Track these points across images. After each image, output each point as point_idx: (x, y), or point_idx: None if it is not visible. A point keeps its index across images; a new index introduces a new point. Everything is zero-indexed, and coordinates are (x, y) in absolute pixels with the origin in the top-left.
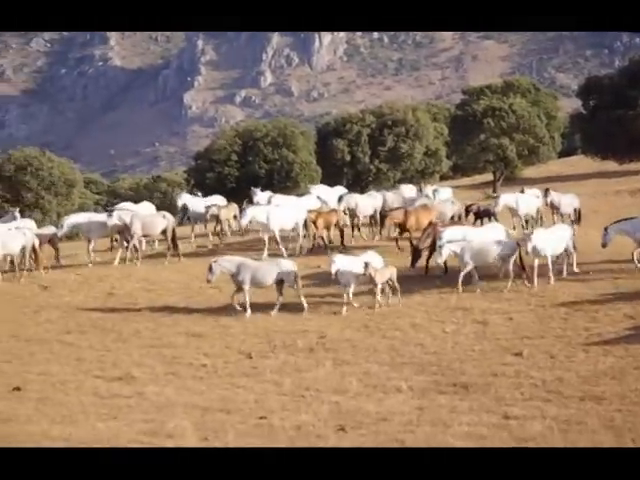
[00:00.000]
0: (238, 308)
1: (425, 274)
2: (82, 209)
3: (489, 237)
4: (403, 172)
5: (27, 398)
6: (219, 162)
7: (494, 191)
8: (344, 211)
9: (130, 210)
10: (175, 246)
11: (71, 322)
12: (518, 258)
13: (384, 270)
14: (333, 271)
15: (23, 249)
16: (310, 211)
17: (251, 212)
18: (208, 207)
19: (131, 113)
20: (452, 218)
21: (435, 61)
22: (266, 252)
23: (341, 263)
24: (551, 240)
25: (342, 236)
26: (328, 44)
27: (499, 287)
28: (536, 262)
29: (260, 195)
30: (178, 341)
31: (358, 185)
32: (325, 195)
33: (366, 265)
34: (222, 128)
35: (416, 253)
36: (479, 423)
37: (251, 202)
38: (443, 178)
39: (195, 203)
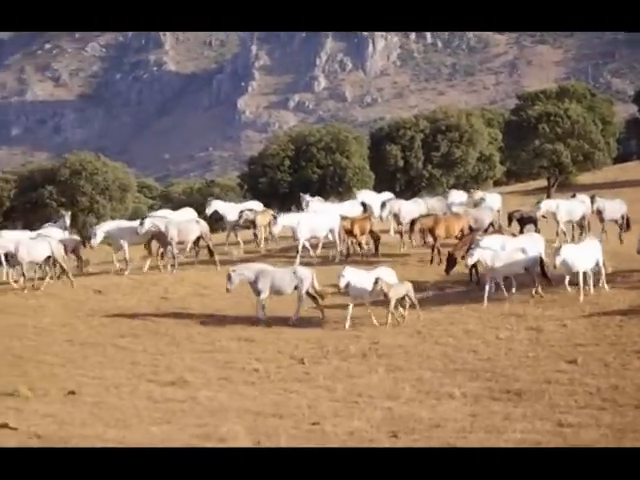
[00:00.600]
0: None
1: (470, 281)
2: (136, 214)
3: (521, 247)
4: (456, 177)
5: (82, 402)
6: (272, 167)
7: (548, 197)
8: (387, 217)
9: (165, 217)
10: (211, 253)
11: (124, 326)
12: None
13: (399, 286)
14: (342, 285)
15: (49, 257)
16: (344, 218)
17: (283, 220)
18: (242, 212)
19: (185, 118)
20: (492, 225)
21: (489, 66)
22: (298, 259)
23: (351, 277)
24: (581, 255)
25: (376, 244)
26: (382, 49)
27: (552, 294)
28: (567, 279)
29: (314, 204)
30: (230, 346)
31: (411, 190)
32: (371, 201)
33: (376, 281)
34: (275, 133)
35: (451, 260)
36: (533, 430)
37: (301, 208)
38: (497, 184)
39: (227, 209)
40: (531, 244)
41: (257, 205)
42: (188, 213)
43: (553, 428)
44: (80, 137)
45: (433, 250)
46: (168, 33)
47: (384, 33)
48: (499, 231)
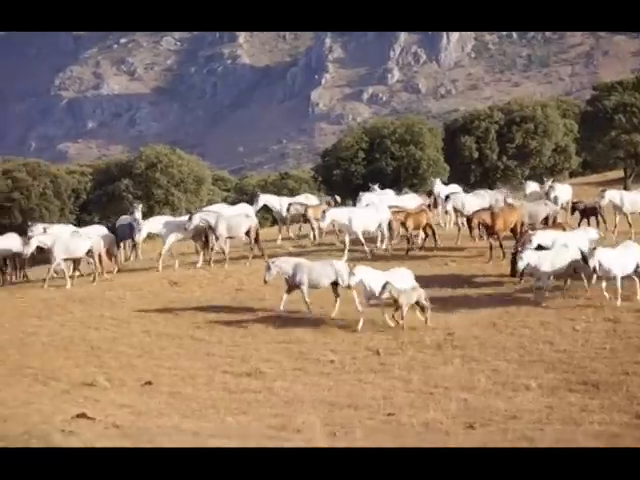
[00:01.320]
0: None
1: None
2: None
3: (566, 245)
4: (532, 169)
5: (158, 392)
6: (346, 159)
7: (625, 188)
8: (447, 211)
9: (215, 212)
10: (259, 247)
11: (200, 318)
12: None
13: (411, 292)
14: (352, 283)
15: (89, 253)
16: (398, 212)
17: (331, 214)
18: (290, 205)
19: (259, 111)
20: (546, 219)
21: (565, 57)
22: (346, 254)
23: (362, 276)
24: (618, 259)
25: (434, 237)
26: (456, 41)
27: (632, 286)
28: (603, 284)
29: (367, 196)
30: (305, 337)
31: (485, 182)
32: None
33: (384, 286)
34: (349, 125)
35: (515, 259)
36: (610, 422)
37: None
38: (573, 175)
39: (276, 203)
40: (583, 240)
41: (306, 198)
42: (245, 208)
43: (631, 420)
44: (155, 130)
45: (491, 248)
46: None
47: None
48: (559, 225)
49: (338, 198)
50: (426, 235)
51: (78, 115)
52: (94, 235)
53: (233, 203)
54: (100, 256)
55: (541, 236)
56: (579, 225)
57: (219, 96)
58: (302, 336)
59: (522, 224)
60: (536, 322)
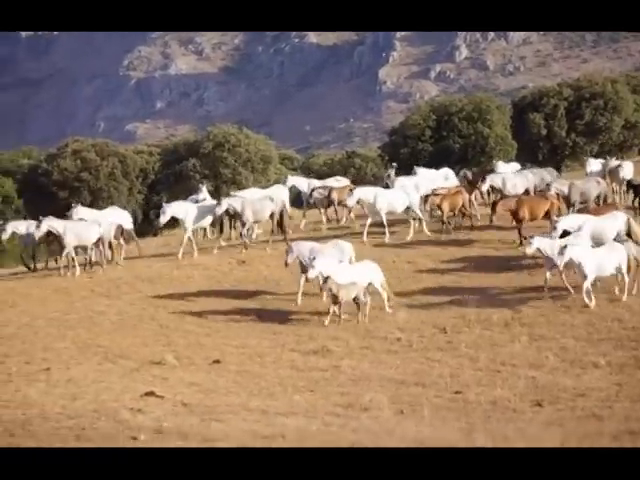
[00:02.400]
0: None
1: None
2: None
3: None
4: (601, 146)
5: (226, 370)
6: (413, 137)
7: None
8: (487, 191)
9: (241, 197)
10: (283, 231)
11: (268, 296)
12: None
13: (350, 287)
14: (311, 276)
15: (99, 240)
16: (435, 194)
17: (358, 192)
18: (313, 190)
19: (326, 90)
20: (598, 198)
21: (634, 32)
22: (388, 235)
23: (322, 268)
24: (594, 258)
25: (471, 220)
26: None
27: None
28: (586, 284)
29: (401, 179)
30: (372, 315)
31: (554, 159)
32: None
33: (325, 279)
34: (417, 103)
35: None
36: None
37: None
38: None
39: (304, 185)
40: (610, 226)
41: (337, 181)
42: (280, 190)
43: None
44: (222, 110)
45: (520, 234)
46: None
47: None
48: (612, 205)
49: (392, 172)
50: (463, 215)
51: (146, 95)
52: (104, 222)
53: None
54: (110, 243)
55: (567, 221)
56: (632, 203)
57: (286, 75)
58: (369, 314)
59: (569, 204)
60: (604, 299)
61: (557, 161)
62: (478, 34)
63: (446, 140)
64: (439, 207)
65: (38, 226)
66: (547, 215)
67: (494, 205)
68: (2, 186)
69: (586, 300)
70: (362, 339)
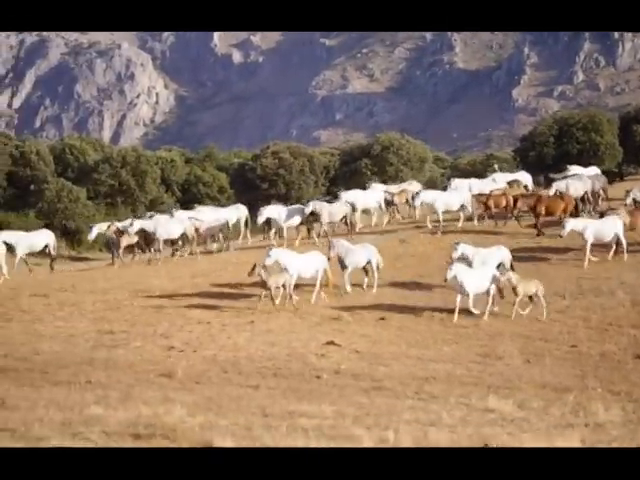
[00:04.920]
0: (475, 312)
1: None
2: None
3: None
4: None
5: (389, 325)
6: (540, 143)
7: None
8: (555, 194)
9: (320, 202)
10: (348, 230)
11: (422, 269)
12: None
13: (278, 276)
14: (268, 264)
15: (183, 235)
16: (481, 194)
17: (422, 196)
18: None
19: (470, 105)
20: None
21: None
22: (439, 233)
23: (279, 257)
24: (473, 277)
25: (517, 219)
26: (629, 49)
27: None
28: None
29: (456, 181)
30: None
31: None
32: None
33: (254, 267)
34: (542, 117)
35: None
36: None
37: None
38: None
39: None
40: (612, 227)
41: (410, 185)
42: (376, 190)
43: None
44: (388, 120)
45: (536, 226)
46: (458, 38)
47: (633, 35)
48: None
49: (496, 166)
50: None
51: (329, 109)
52: (186, 219)
53: (448, 179)
54: (193, 238)
55: (573, 223)
56: None
57: (438, 94)
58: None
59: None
60: None
61: None
62: (592, 62)
63: (565, 146)
64: (485, 204)
65: (131, 224)
66: (564, 212)
67: (515, 201)
68: (218, 179)
69: None
70: (497, 303)
